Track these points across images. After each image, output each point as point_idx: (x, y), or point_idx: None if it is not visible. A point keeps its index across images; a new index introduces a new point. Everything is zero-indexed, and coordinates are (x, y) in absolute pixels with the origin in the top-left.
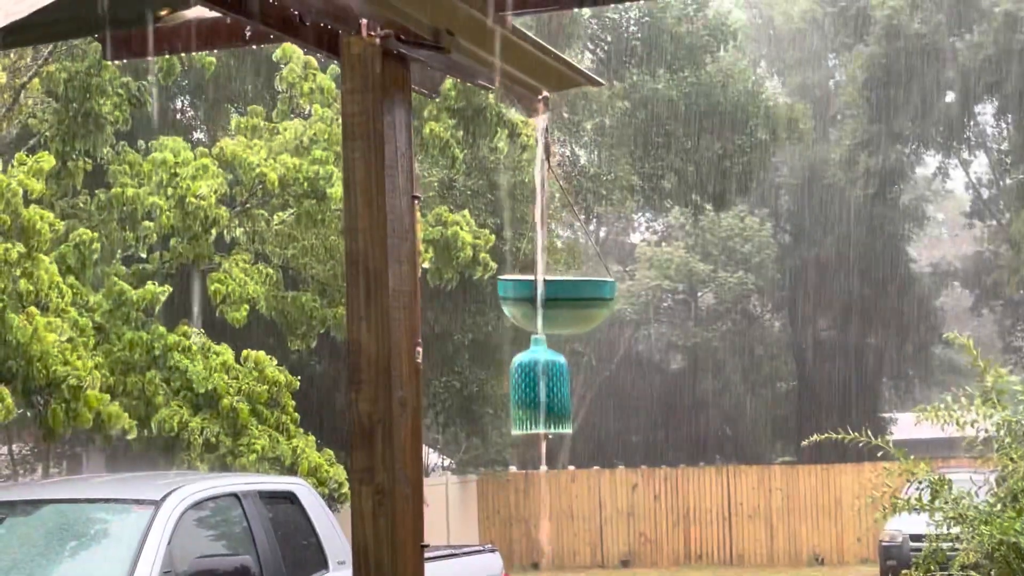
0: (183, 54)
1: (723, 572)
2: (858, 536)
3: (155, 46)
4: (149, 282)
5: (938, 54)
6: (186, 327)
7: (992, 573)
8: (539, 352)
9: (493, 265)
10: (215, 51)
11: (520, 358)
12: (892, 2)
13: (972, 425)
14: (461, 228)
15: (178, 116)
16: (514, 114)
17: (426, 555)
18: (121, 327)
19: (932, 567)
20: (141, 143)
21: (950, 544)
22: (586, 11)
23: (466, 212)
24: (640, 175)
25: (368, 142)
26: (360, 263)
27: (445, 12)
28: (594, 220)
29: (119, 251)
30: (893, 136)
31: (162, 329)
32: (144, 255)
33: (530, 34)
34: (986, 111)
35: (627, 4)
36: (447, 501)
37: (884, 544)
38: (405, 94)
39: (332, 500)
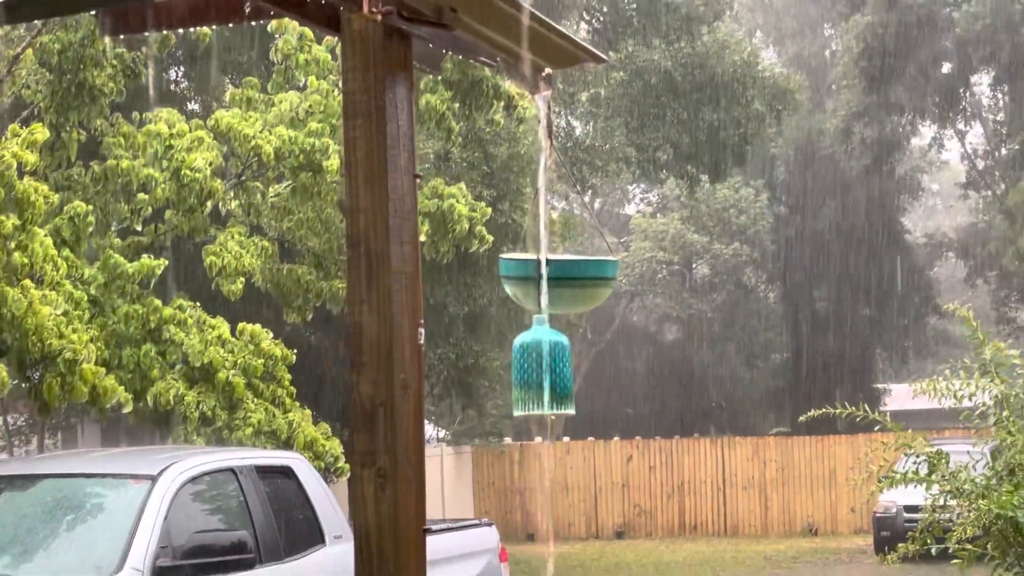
0: (179, 29)
1: (717, 542)
2: (852, 507)
3: (152, 22)
4: (144, 255)
5: (934, 24)
6: (181, 300)
7: (989, 547)
8: (541, 332)
9: (489, 238)
10: (213, 26)
11: (522, 338)
12: None
13: (970, 398)
14: (457, 201)
15: (172, 87)
16: (510, 86)
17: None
18: (116, 300)
19: (929, 540)
20: (136, 114)
21: (946, 517)
22: None
23: (462, 185)
24: (635, 146)
25: (369, 120)
26: (361, 244)
27: None
28: (589, 192)
29: (114, 224)
30: (889, 107)
31: (157, 302)
32: (139, 228)
33: (534, 11)
34: (982, 81)
35: None
36: (442, 473)
37: (878, 515)
38: (407, 71)
39: (328, 473)
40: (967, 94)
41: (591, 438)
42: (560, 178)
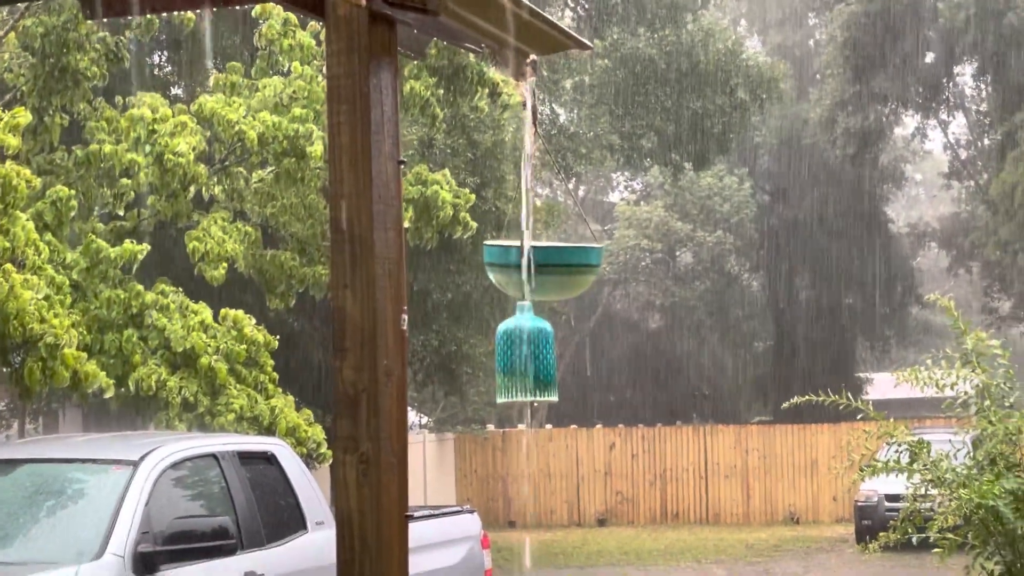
0: (164, 13)
1: (699, 531)
2: (834, 495)
3: (136, 5)
4: (127, 240)
5: (918, 14)
6: (164, 285)
7: (969, 536)
8: (524, 319)
9: (473, 224)
10: (197, 10)
11: (505, 325)
12: None
13: (952, 388)
14: (441, 187)
15: (156, 72)
16: (495, 73)
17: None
18: (98, 285)
19: (910, 529)
20: (119, 99)
21: (927, 506)
22: None
23: (446, 171)
24: (619, 134)
25: (353, 105)
26: (345, 230)
27: None
28: (573, 179)
29: (96, 208)
30: (872, 96)
31: (140, 287)
32: (122, 212)
33: None
34: (965, 71)
35: None
36: (424, 460)
37: (859, 504)
38: (391, 57)
39: (310, 460)
40: (950, 84)
41: (574, 425)
42: (544, 165)
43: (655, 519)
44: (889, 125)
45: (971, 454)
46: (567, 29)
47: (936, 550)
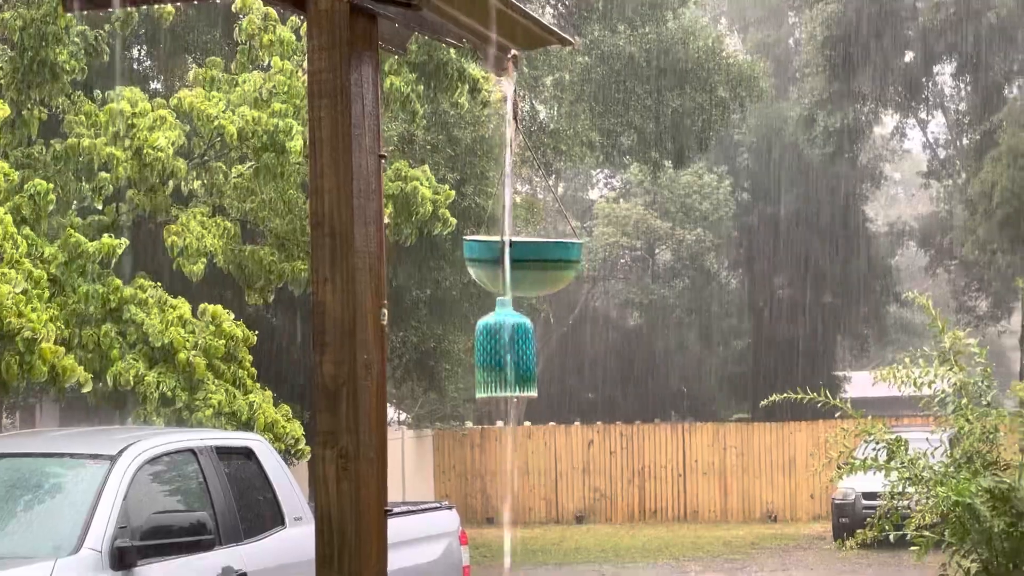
0: (143, 6)
1: (677, 528)
2: (811, 493)
3: None
4: (105, 234)
5: (898, 13)
6: (142, 280)
7: (946, 533)
8: (504, 314)
9: (453, 221)
10: (177, 4)
11: (485, 320)
12: None
13: (929, 386)
14: (421, 183)
15: (135, 66)
16: (475, 69)
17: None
18: (76, 279)
19: (887, 526)
20: (98, 93)
21: (905, 503)
22: None
23: (426, 167)
24: (599, 131)
25: (334, 100)
26: (325, 224)
27: None
28: (553, 176)
29: (75, 202)
30: (852, 95)
31: (118, 282)
32: (100, 207)
33: None
34: (945, 71)
35: None
36: (403, 456)
37: (837, 502)
38: (373, 51)
39: (288, 455)
40: (929, 83)
41: (552, 422)
42: (524, 162)
43: (633, 516)
44: (868, 124)
45: (948, 452)
46: (549, 25)
47: (913, 548)
